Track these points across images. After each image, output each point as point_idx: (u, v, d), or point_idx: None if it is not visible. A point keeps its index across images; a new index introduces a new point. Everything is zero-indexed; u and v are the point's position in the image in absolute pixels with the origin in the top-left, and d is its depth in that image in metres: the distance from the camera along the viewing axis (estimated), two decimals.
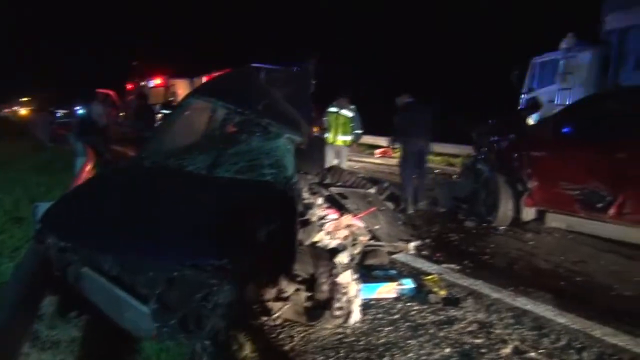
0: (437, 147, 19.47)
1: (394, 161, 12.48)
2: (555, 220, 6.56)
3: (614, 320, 3.79)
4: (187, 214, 3.22)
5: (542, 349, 3.26)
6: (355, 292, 3.42)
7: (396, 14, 34.70)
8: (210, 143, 4.40)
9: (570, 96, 11.95)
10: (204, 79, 18.57)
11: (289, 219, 3.32)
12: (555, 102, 12.34)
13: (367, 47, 33.05)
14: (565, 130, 6.45)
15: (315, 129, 9.74)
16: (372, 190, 6.25)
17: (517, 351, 3.22)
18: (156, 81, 24.65)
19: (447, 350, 3.19)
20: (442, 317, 3.68)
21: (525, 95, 13.45)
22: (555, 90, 12.91)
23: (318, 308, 3.40)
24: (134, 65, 27.30)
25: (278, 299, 3.40)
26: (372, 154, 17.14)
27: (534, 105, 9.27)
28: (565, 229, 6.57)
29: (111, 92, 24.41)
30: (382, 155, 17.59)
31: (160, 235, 3.00)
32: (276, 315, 3.41)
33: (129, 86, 27.44)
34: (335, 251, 3.67)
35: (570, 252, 5.81)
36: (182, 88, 22.34)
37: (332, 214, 5.02)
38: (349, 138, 8.67)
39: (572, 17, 14.87)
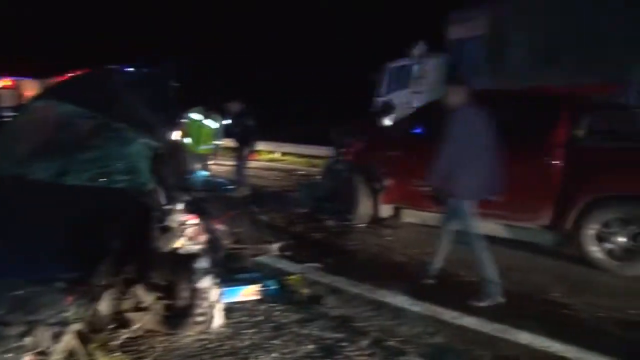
0: (301, 149, 19.89)
1: (259, 164, 12.53)
2: (410, 216, 6.97)
3: (461, 304, 4.11)
4: (32, 225, 2.99)
5: (399, 337, 3.43)
6: (216, 297, 3.38)
7: (259, 18, 34.79)
8: (59, 149, 4.11)
9: (422, 99, 12.76)
10: (56, 80, 17.31)
11: (145, 226, 3.21)
12: (408, 105, 13.12)
13: (224, 48, 32.81)
14: (414, 131, 6.87)
15: (178, 134, 9.51)
16: (235, 194, 6.22)
17: (376, 341, 3.36)
18: (5, 82, 22.51)
19: (310, 346, 3.26)
20: (304, 315, 3.75)
21: (381, 98, 14.14)
22: (408, 93, 13.73)
23: (179, 315, 3.31)
24: None
25: (137, 309, 3.26)
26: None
27: (387, 108, 9.77)
28: (420, 224, 6.99)
29: None
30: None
31: (3, 250, 2.76)
32: (136, 326, 3.27)
33: None
34: (195, 256, 3.60)
35: (425, 245, 6.17)
36: (31, 89, 20.62)
37: (193, 219, 4.91)
38: (211, 147, 8.65)
39: (422, 26, 15.87)
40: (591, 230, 5.55)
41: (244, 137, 9.33)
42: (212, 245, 4.58)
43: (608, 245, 5.49)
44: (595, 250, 5.54)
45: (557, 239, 5.95)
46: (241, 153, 9.57)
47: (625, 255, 5.41)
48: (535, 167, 5.89)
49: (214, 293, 3.38)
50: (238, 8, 34.15)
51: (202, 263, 3.48)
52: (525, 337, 3.52)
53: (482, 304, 4.17)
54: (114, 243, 2.87)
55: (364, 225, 6.95)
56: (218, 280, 3.56)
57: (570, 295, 4.67)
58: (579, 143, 5.81)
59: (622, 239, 5.43)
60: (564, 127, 5.82)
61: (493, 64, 12.10)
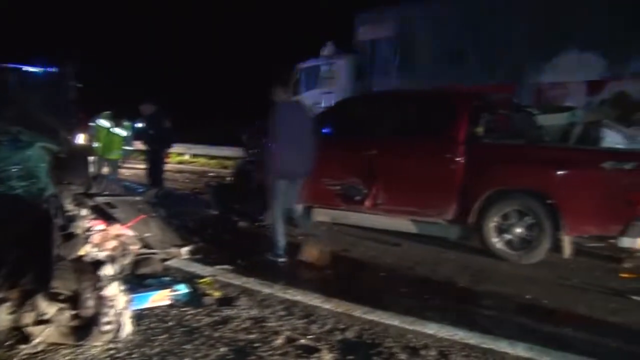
0: (211, 151, 19.65)
1: (170, 166, 12.24)
2: (321, 215, 7.08)
3: (371, 299, 4.22)
4: None
5: (311, 335, 3.48)
6: (124, 304, 3.27)
7: (166, 17, 33.95)
8: None
9: (332, 99, 12.95)
10: None
11: (44, 234, 3.06)
12: (319, 105, 13.28)
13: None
14: (324, 130, 6.98)
15: (83, 137, 9.18)
16: (143, 197, 6.06)
17: (288, 340, 3.39)
18: None
19: (223, 349, 3.23)
20: (217, 318, 3.72)
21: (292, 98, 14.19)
22: (318, 93, 13.89)
23: (85, 326, 3.19)
24: None
25: (39, 322, 3.10)
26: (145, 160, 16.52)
27: None
28: (331, 222, 7.12)
29: None
30: None
31: None
32: (37, 340, 3.11)
33: None
34: (100, 263, 3.48)
35: (336, 242, 6.31)
36: None
37: (99, 225, 4.75)
38: (120, 153, 8.42)
39: (331, 26, 16.11)
40: (492, 222, 5.89)
41: (159, 139, 9.05)
42: (120, 251, 4.45)
43: (507, 236, 5.86)
44: (496, 242, 5.90)
45: (461, 232, 6.29)
46: (156, 155, 9.28)
47: (522, 245, 5.79)
48: (438, 164, 6.17)
49: (122, 300, 3.28)
50: (145, 8, 33.22)
51: (109, 270, 3.37)
52: (432, 327, 3.67)
53: (270, 257, 5.40)
54: (9, 253, 2.72)
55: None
56: (126, 287, 3.46)
57: (474, 284, 4.95)
58: (478, 140, 6.14)
59: (519, 230, 5.80)
60: (465, 125, 6.13)
61: (402, 65, 12.50)
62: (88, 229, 4.53)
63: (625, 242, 5.89)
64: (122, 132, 8.34)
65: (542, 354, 3.30)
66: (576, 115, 6.44)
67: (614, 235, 5.71)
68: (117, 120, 8.34)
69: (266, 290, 4.35)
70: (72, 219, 4.34)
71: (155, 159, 9.19)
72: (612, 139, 5.82)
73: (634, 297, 4.74)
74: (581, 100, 9.22)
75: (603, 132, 5.84)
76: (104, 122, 8.31)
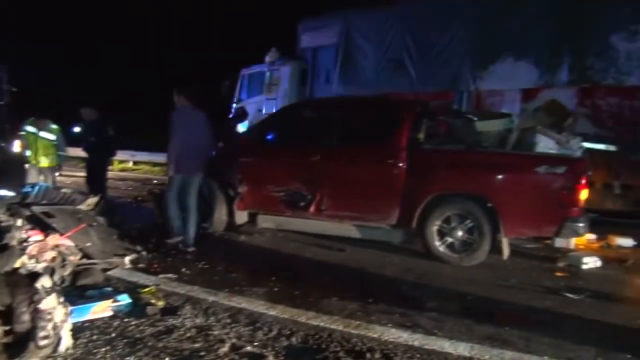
0: (156, 158, 19.28)
1: (111, 174, 11.93)
2: (266, 221, 7.08)
3: (315, 305, 4.28)
4: None
5: (257, 342, 3.47)
6: (63, 317, 3.17)
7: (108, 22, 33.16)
8: None
9: (276, 106, 12.96)
10: None
11: None
12: (263, 111, 13.26)
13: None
14: (268, 137, 7.00)
15: (19, 145, 8.86)
16: (82, 206, 5.90)
17: (234, 348, 3.37)
18: None
19: (167, 359, 3.19)
20: (160, 327, 3.66)
21: (235, 105, 14.14)
22: (262, 100, 13.86)
23: (20, 341, 3.07)
24: None
25: None
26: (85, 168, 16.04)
27: (241, 114, 9.82)
28: (276, 228, 7.12)
29: None
30: None
31: None
32: None
33: None
34: (37, 275, 3.36)
35: (281, 249, 6.33)
36: None
37: (36, 235, 4.61)
38: (54, 160, 8.11)
39: (275, 32, 16.12)
40: (434, 226, 6.04)
41: (101, 147, 8.77)
42: (59, 262, 4.33)
43: (449, 240, 6.02)
44: (438, 245, 6.06)
45: (404, 237, 6.42)
46: (99, 163, 8.99)
47: (463, 247, 5.97)
48: (381, 170, 6.28)
49: (60, 313, 3.18)
50: (84, 12, 32.38)
51: (46, 282, 3.26)
52: (376, 330, 3.73)
53: (169, 241, 5.95)
54: None
55: (220, 232, 6.92)
56: (65, 299, 3.36)
57: (417, 287, 5.06)
58: (420, 146, 6.28)
59: (460, 233, 5.98)
60: (407, 131, 6.26)
61: (344, 72, 12.62)
62: (24, 240, 4.39)
63: (559, 242, 6.19)
64: (50, 136, 8.04)
65: (483, 353, 3.41)
66: (512, 121, 6.68)
67: (549, 236, 5.99)
68: (41, 123, 8.03)
69: (211, 298, 4.31)
70: (6, 229, 4.20)
71: (96, 167, 8.93)
72: (545, 144, 6.06)
73: (568, 295, 4.97)
74: (516, 108, 9.57)
75: (537, 137, 6.07)
76: (29, 128, 8.01)
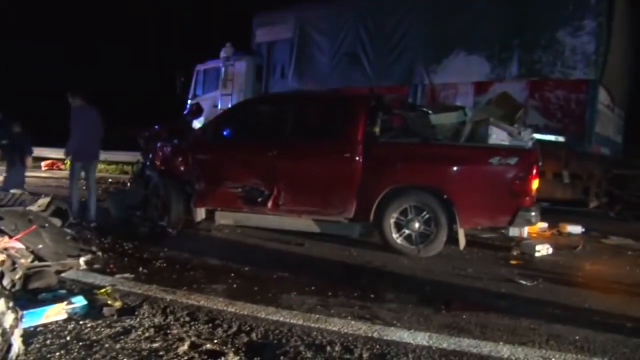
0: (110, 156, 18.87)
1: (64, 173, 11.65)
2: (224, 218, 7.03)
3: (274, 300, 4.28)
4: None
5: (216, 339, 3.44)
6: (12, 322, 3.07)
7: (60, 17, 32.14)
8: None
9: (231, 101, 12.86)
10: None
11: None
12: (218, 107, 13.14)
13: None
14: (224, 132, 6.95)
15: None
16: (33, 207, 5.73)
17: (193, 346, 3.33)
18: None
19: None
20: (118, 328, 3.59)
21: (190, 101, 13.97)
22: (217, 95, 13.72)
23: None
24: None
25: None
26: (38, 167, 15.62)
27: (196, 110, 9.70)
28: (234, 225, 7.08)
29: None
30: (50, 168, 16.23)
31: None
32: None
33: None
34: None
35: (239, 245, 6.31)
36: None
37: None
38: None
39: (229, 27, 15.96)
40: (391, 219, 6.11)
41: (13, 147, 8.79)
42: (8, 265, 4.20)
43: (406, 232, 6.10)
44: (395, 237, 6.13)
45: (362, 230, 6.48)
46: (15, 162, 8.99)
47: (420, 239, 6.06)
48: (337, 164, 6.32)
49: (10, 318, 3.08)
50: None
51: None
52: (336, 323, 3.76)
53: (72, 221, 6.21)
54: None
55: (177, 230, 6.84)
56: (16, 304, 3.25)
57: (376, 279, 5.12)
58: (375, 140, 6.34)
59: (417, 225, 6.06)
60: (362, 125, 6.31)
61: (299, 67, 12.61)
62: None
63: (513, 231, 6.37)
64: None
65: (441, 341, 3.47)
66: (465, 114, 6.81)
67: (503, 226, 6.14)
68: None
69: (169, 296, 4.26)
70: None
71: (13, 167, 9.16)
72: (498, 136, 6.19)
73: (521, 281, 5.12)
74: (469, 101, 9.78)
75: (490, 130, 6.20)
76: None
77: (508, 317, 4.04)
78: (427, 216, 6.03)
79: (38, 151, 16.07)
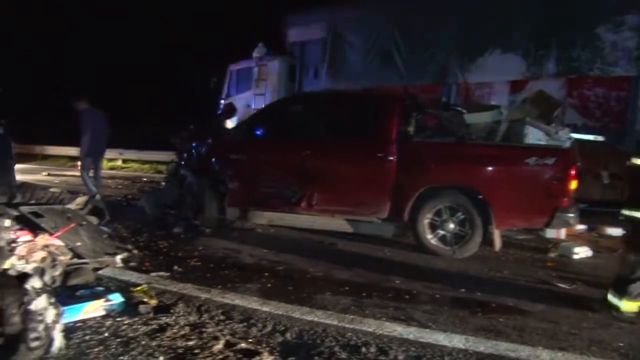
0: (144, 155, 19.18)
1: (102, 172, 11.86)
2: (257, 217, 7.07)
3: (309, 300, 4.27)
4: None
5: (251, 338, 3.45)
6: (54, 317, 3.13)
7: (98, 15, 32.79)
8: None
9: (264, 101, 12.93)
10: None
11: None
12: (251, 107, 13.22)
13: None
14: (257, 132, 6.98)
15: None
16: (71, 205, 5.84)
17: (228, 345, 3.35)
18: None
19: (161, 358, 3.16)
20: (154, 326, 3.63)
21: (224, 101, 14.08)
22: (250, 95, 13.81)
23: (11, 343, 3.04)
24: None
25: None
26: (74, 167, 15.96)
27: (229, 110, 9.78)
28: (267, 224, 7.11)
29: None
30: None
31: None
32: None
33: None
34: (26, 276, 3.32)
35: (272, 244, 6.31)
36: None
37: (25, 236, 4.55)
38: None
39: (261, 28, 16.04)
40: (425, 219, 6.05)
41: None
42: (49, 262, 4.28)
43: (441, 232, 6.03)
44: (430, 238, 6.07)
45: (396, 230, 6.43)
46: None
47: (455, 240, 5.98)
48: (371, 164, 6.29)
49: (52, 314, 3.14)
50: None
51: (36, 282, 3.22)
52: (371, 324, 3.73)
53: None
54: None
55: (211, 229, 6.89)
56: (56, 300, 3.32)
57: (410, 280, 5.05)
58: (410, 139, 6.28)
59: (452, 226, 5.99)
60: (396, 124, 6.26)
61: (332, 66, 12.61)
62: (13, 241, 4.33)
63: (550, 233, 6.23)
64: None
65: (477, 344, 3.41)
66: (501, 113, 6.70)
67: (540, 228, 6.01)
68: None
69: (204, 295, 4.29)
70: None
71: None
72: (535, 135, 6.08)
73: (559, 284, 5.00)
74: (505, 99, 9.63)
75: (526, 129, 6.09)
76: None
77: (546, 321, 3.96)
78: (462, 217, 5.95)
79: (74, 151, 16.46)
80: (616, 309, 4.11)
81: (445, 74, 10.85)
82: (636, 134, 8.82)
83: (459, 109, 7.25)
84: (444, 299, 4.50)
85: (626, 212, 4.27)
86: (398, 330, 3.64)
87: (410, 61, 11.33)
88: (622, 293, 4.10)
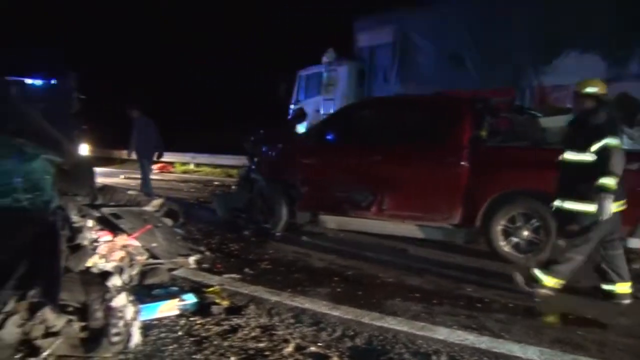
0: (215, 159, 19.68)
1: (174, 176, 12.30)
2: (327, 222, 7.08)
3: (379, 305, 4.23)
4: None
5: (320, 342, 3.46)
6: (133, 315, 3.26)
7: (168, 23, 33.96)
8: None
9: (334, 106, 12.94)
10: None
11: (51, 247, 3.05)
12: (321, 112, 13.28)
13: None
14: (328, 137, 7.00)
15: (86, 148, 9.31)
16: (148, 208, 6.06)
17: (298, 348, 3.37)
18: None
19: (233, 358, 3.22)
20: (225, 326, 3.70)
21: (293, 106, 14.22)
22: (319, 100, 13.88)
23: (94, 337, 3.18)
24: None
25: (47, 334, 3.09)
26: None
27: (300, 115, 9.87)
28: (337, 229, 7.12)
29: None
30: (161, 171, 17.13)
31: None
32: (46, 353, 3.10)
33: None
34: (108, 274, 3.47)
35: (342, 249, 6.31)
36: None
37: (106, 236, 4.76)
38: None
39: (331, 32, 16.11)
40: (498, 226, 5.88)
41: None
42: (127, 262, 4.45)
43: (514, 239, 5.84)
44: (503, 245, 5.88)
45: (468, 236, 6.27)
46: None
47: (529, 247, 5.77)
48: (443, 169, 6.16)
49: (131, 311, 3.27)
50: (146, 14, 33.34)
51: (117, 280, 3.37)
52: (442, 332, 3.66)
53: None
54: (17, 266, 2.71)
55: (281, 233, 6.97)
56: (134, 298, 3.45)
57: (482, 288, 4.92)
58: (482, 144, 6.13)
59: (526, 233, 5.79)
60: (468, 129, 6.12)
61: (402, 71, 12.49)
62: (95, 240, 4.54)
63: (634, 243, 5.87)
64: None
65: (554, 357, 3.29)
66: None
67: (622, 237, 5.69)
68: None
69: (274, 298, 4.34)
70: (78, 230, 4.35)
71: None
72: None
73: None
74: None
75: None
76: None
77: (630, 337, 3.75)
78: (536, 224, 5.74)
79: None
80: (538, 281, 4.58)
81: (518, 76, 10.51)
82: None
83: (533, 112, 7.00)
84: (517, 308, 4.36)
85: (556, 203, 4.73)
86: (470, 339, 3.55)
87: (482, 64, 11.04)
88: (548, 270, 4.58)
